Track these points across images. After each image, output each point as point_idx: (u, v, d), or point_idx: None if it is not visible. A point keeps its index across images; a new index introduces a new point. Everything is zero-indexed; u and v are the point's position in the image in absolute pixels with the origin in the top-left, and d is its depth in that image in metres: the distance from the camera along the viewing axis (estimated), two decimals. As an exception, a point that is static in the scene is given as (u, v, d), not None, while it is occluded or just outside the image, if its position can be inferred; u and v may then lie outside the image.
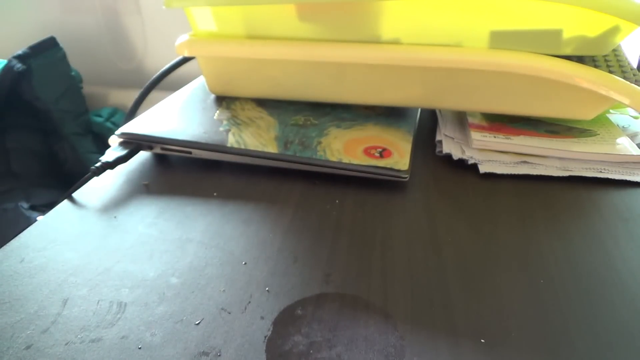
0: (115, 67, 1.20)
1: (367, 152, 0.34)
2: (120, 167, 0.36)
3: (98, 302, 0.23)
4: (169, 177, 0.35)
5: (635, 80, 0.34)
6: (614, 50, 0.39)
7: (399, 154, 0.34)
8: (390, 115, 0.40)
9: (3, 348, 0.21)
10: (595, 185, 0.34)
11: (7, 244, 0.27)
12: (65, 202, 0.32)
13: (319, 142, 0.35)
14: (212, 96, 0.42)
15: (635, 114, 0.43)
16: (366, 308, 0.23)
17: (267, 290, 0.24)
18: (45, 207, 0.95)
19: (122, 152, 0.34)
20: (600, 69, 0.33)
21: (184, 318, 0.22)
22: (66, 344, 0.21)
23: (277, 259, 0.27)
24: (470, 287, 0.25)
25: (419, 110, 0.44)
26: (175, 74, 0.52)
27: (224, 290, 0.24)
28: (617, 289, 0.25)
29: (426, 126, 0.43)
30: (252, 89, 0.40)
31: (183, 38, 0.38)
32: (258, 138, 0.35)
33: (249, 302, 0.23)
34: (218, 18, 0.37)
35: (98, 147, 1.10)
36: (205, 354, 0.21)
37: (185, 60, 0.49)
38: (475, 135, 0.37)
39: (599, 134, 0.38)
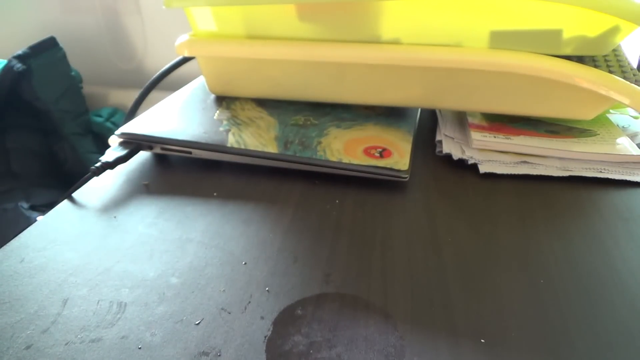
0: (115, 67, 1.20)
1: (367, 152, 0.34)
2: (120, 167, 0.36)
3: (98, 302, 0.23)
4: (169, 177, 0.35)
5: (635, 80, 0.34)
6: (614, 50, 0.39)
7: (399, 154, 0.34)
8: (390, 115, 0.40)
9: (3, 348, 0.21)
10: (595, 185, 0.34)
11: (7, 244, 0.27)
12: (65, 202, 0.32)
13: (319, 142, 0.35)
14: (212, 96, 0.42)
15: (635, 114, 0.43)
16: (366, 308, 0.23)
17: (267, 290, 0.24)
18: (45, 207, 0.95)
19: (122, 152, 0.34)
20: (600, 69, 0.33)
21: (184, 318, 0.22)
22: (66, 344, 0.21)
23: (277, 259, 0.27)
24: (470, 287, 0.25)
25: (419, 110, 0.44)
26: (175, 74, 0.52)
27: (224, 290, 0.24)
28: (617, 289, 0.25)
29: (426, 126, 0.43)
30: (252, 89, 0.40)
31: (183, 38, 0.38)
32: (258, 138, 0.35)
33: (249, 302, 0.23)
34: (218, 18, 0.37)
35: (98, 147, 1.10)
36: (205, 354, 0.21)
37: (185, 60, 0.49)
38: (475, 135, 0.37)
39: (599, 134, 0.38)
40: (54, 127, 1.03)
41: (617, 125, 0.40)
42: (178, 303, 0.23)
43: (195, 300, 0.24)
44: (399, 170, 0.32)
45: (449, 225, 0.30)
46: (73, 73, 1.09)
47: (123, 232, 0.29)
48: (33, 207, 0.94)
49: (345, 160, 0.33)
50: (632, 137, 0.39)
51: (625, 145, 0.36)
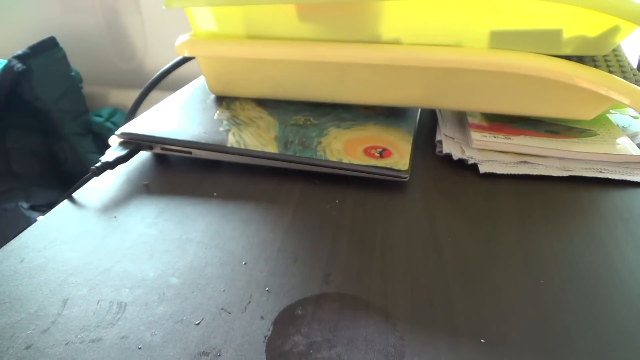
0: (115, 67, 1.20)
1: (367, 152, 0.34)
2: (120, 167, 0.36)
3: (98, 302, 0.23)
4: (169, 177, 0.35)
5: (635, 80, 0.34)
6: (614, 50, 0.39)
7: (399, 154, 0.34)
8: (390, 115, 0.40)
9: (3, 348, 0.21)
10: (595, 185, 0.34)
11: (7, 244, 0.27)
12: (65, 202, 0.32)
13: (319, 142, 0.35)
14: (212, 96, 0.42)
15: (635, 114, 0.43)
16: (366, 308, 0.23)
17: (267, 290, 0.24)
18: (45, 207, 0.95)
19: (122, 152, 0.34)
20: (600, 69, 0.33)
21: (184, 318, 0.22)
22: (66, 344, 0.21)
23: (277, 259, 0.27)
24: (470, 287, 0.25)
25: (419, 110, 0.44)
26: (175, 74, 0.52)
27: (224, 290, 0.24)
28: (617, 289, 0.25)
29: (426, 126, 0.43)
30: (252, 89, 0.40)
31: (183, 38, 0.38)
32: (258, 138, 0.35)
33: (249, 302, 0.24)
34: (218, 18, 0.37)
35: (98, 147, 1.10)
36: (205, 354, 0.21)
37: (185, 60, 0.49)
38: (475, 135, 0.37)
39: (599, 134, 0.38)
40: (54, 127, 1.03)
41: (617, 125, 0.40)
42: (178, 303, 0.23)
43: (195, 300, 0.24)
44: (399, 170, 0.32)
45: (449, 225, 0.30)
46: (73, 73, 1.09)
47: (123, 232, 0.29)
48: (33, 207, 0.94)
49: (345, 160, 0.33)
50: (632, 137, 0.39)
51: (625, 145, 0.36)
